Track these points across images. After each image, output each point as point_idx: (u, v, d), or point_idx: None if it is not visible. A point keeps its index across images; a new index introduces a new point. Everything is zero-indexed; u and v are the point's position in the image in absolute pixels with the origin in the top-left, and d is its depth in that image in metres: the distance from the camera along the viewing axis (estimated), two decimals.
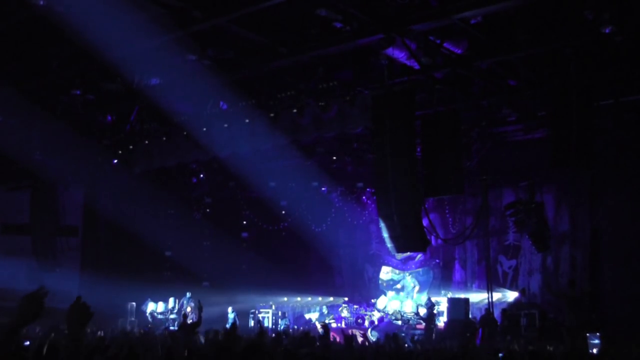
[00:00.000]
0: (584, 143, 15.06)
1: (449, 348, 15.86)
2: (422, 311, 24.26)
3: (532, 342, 17.89)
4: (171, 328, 23.91)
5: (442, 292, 27.04)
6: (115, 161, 23.96)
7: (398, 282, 28.76)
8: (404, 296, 27.78)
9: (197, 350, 7.80)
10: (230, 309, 26.53)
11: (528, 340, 18.61)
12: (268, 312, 27.93)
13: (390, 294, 28.77)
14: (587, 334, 18.42)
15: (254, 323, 26.71)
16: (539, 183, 23.38)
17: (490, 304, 21.25)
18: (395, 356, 9.66)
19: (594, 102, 15.65)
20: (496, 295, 24.15)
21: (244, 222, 31.35)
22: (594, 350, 17.14)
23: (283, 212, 30.43)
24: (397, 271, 29.23)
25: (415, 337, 20.41)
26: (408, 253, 26.00)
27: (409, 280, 28.21)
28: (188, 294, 26.72)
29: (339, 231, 30.99)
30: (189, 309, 25.86)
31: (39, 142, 23.38)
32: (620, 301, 20.91)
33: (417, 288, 27.90)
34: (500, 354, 10.79)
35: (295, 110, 18.98)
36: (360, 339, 17.88)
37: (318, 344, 12.93)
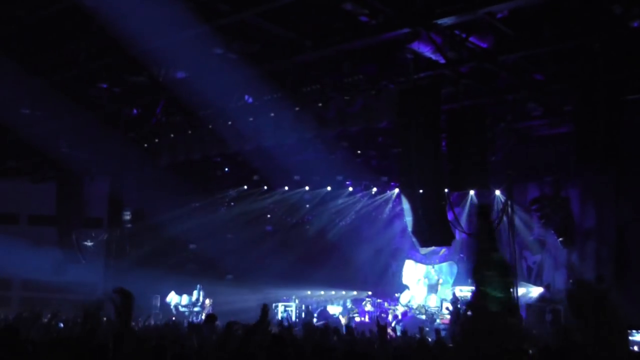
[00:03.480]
0: (610, 139, 14.96)
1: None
2: (448, 306, 24.24)
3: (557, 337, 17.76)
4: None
5: (469, 281, 26.96)
6: (141, 154, 24.08)
7: (422, 276, 28.68)
8: (428, 290, 27.70)
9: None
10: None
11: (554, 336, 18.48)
12: (291, 306, 27.98)
13: (414, 288, 28.73)
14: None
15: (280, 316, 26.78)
16: (564, 178, 23.22)
17: (516, 299, 21.14)
18: (423, 349, 9.65)
19: (621, 97, 15.50)
20: (520, 291, 24.00)
21: (268, 216, 31.45)
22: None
23: (307, 205, 30.53)
24: (421, 265, 29.18)
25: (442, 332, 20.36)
26: (432, 247, 25.92)
27: (433, 274, 28.14)
28: (198, 286, 26.90)
29: (362, 225, 31.00)
30: (207, 302, 26.09)
31: (66, 134, 23.60)
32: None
33: (440, 281, 27.82)
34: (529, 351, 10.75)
35: (320, 104, 19.00)
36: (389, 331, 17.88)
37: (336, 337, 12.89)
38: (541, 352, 7.42)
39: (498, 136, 20.69)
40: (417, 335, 15.33)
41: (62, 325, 15.51)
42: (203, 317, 24.81)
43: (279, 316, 26.78)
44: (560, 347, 7.80)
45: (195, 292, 27.07)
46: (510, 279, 15.44)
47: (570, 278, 24.22)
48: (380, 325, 10.38)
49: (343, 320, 25.35)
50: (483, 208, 17.54)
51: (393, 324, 24.20)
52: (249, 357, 4.28)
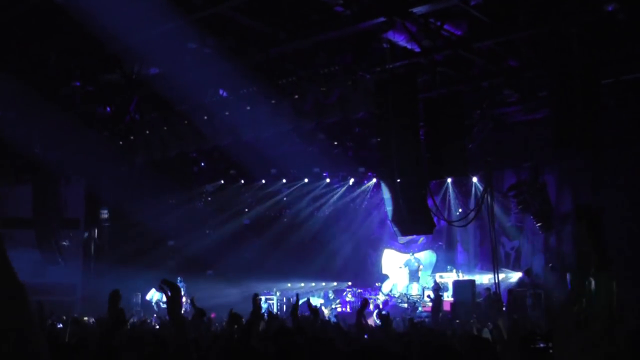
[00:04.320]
0: (587, 123, 15.00)
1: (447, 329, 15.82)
2: (429, 294, 24.36)
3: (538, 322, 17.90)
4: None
5: (448, 267, 27.13)
6: (116, 152, 23.89)
7: (403, 264, 28.74)
8: (410, 278, 27.77)
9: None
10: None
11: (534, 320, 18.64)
12: (272, 299, 27.92)
13: (395, 277, 28.82)
14: None
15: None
16: (541, 164, 23.37)
17: (497, 285, 21.29)
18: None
19: (597, 81, 15.56)
20: (500, 276, 24.20)
21: (246, 210, 31.40)
22: None
23: (285, 198, 30.54)
24: (401, 254, 29.27)
25: (415, 320, 20.40)
26: (412, 236, 26.00)
27: (413, 262, 28.21)
28: (179, 278, 26.80)
29: (340, 216, 31.07)
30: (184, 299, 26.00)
31: (39, 135, 23.34)
32: (621, 283, 20.84)
33: (421, 267, 27.90)
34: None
35: (296, 96, 18.96)
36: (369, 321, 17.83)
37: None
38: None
39: (475, 123, 20.77)
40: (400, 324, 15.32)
41: (61, 325, 15.39)
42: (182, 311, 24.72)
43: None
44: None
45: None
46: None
47: (548, 262, 24.43)
48: (382, 314, 10.31)
49: (326, 312, 25.36)
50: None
51: (374, 314, 24.23)
52: (251, 349, 4.24)
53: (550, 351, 6.47)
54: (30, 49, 17.87)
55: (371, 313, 24.61)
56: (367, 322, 14.96)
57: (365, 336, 9.67)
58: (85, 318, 19.48)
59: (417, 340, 7.47)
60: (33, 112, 21.07)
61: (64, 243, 26.80)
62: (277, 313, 26.14)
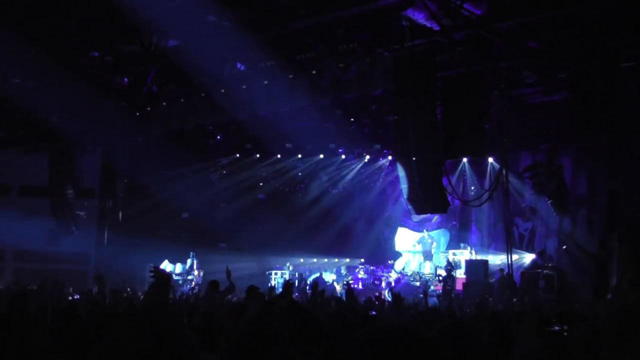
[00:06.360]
0: (606, 106, 14.91)
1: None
2: (441, 272, 24.37)
3: (550, 303, 17.91)
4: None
5: (462, 245, 27.11)
6: (133, 123, 23.95)
7: (416, 242, 28.73)
8: (423, 257, 27.75)
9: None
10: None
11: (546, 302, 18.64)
12: (285, 273, 27.99)
13: (409, 255, 28.85)
14: None
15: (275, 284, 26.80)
16: (558, 146, 23.25)
17: (510, 266, 21.28)
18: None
19: (617, 65, 15.45)
20: (513, 257, 24.16)
21: (261, 184, 31.43)
22: None
23: (300, 173, 30.56)
24: (414, 232, 29.26)
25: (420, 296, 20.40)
26: (426, 215, 25.96)
27: (427, 238, 28.19)
28: (192, 253, 26.91)
29: (355, 193, 31.06)
30: (196, 273, 26.17)
31: (57, 104, 23.44)
32: None
33: (434, 244, 27.87)
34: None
35: (314, 72, 18.92)
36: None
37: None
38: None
39: (492, 104, 20.67)
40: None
41: (78, 296, 15.52)
42: (193, 285, 24.91)
43: (273, 282, 26.81)
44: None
45: (188, 261, 27.07)
46: None
47: (562, 245, 24.37)
48: (394, 292, 10.34)
49: (338, 288, 25.44)
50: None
51: (386, 292, 24.27)
52: (268, 325, 4.27)
53: (565, 334, 6.49)
54: (50, 19, 17.91)
55: (383, 290, 24.69)
56: (380, 299, 15.04)
57: (373, 313, 9.71)
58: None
59: (430, 318, 7.51)
60: (51, 81, 21.15)
61: (80, 213, 26.98)
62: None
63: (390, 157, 27.98)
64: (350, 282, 23.43)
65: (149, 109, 23.08)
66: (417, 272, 26.36)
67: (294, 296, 16.32)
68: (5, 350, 5.46)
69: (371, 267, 27.88)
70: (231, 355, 4.73)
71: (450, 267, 23.92)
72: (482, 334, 5.76)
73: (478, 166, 26.85)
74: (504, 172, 20.70)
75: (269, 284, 25.16)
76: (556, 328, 6.73)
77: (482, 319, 7.16)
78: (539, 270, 23.19)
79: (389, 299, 20.76)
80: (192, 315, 7.70)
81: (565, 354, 5.96)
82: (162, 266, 27.32)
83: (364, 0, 15.36)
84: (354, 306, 10.33)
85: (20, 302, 6.78)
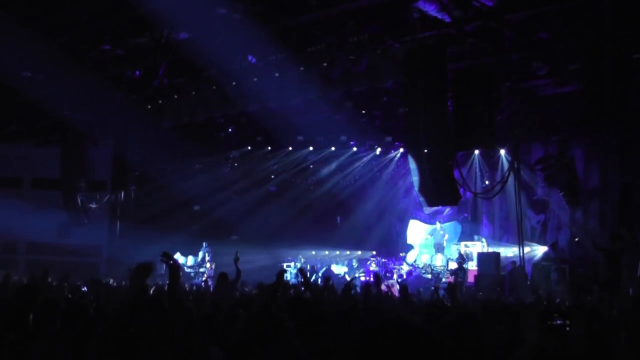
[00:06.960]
0: (617, 98, 14.81)
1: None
2: (453, 265, 24.32)
3: (562, 296, 17.85)
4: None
5: (475, 237, 27.03)
6: (144, 116, 23.99)
7: (428, 234, 28.67)
8: (435, 249, 27.68)
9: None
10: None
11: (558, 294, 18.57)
12: (298, 265, 27.98)
13: (420, 247, 28.79)
14: None
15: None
16: (569, 138, 23.13)
17: (522, 258, 21.22)
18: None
19: (629, 56, 15.33)
20: (525, 249, 24.07)
21: (272, 176, 31.46)
22: None
23: (311, 166, 30.55)
24: (426, 225, 29.21)
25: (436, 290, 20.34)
26: (437, 207, 25.89)
27: (439, 230, 28.11)
28: (204, 244, 26.96)
29: (366, 185, 31.04)
30: (208, 265, 26.19)
31: (68, 97, 23.53)
32: None
33: (446, 236, 27.76)
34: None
35: (325, 64, 18.89)
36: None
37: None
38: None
39: (503, 95, 20.59)
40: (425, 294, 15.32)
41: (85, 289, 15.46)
42: (205, 277, 24.98)
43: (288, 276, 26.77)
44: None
45: (200, 253, 27.13)
46: None
47: (574, 237, 24.28)
48: (402, 285, 10.30)
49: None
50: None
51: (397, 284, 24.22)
52: (273, 317, 4.29)
53: (567, 328, 6.46)
54: (62, 11, 17.95)
55: (393, 283, 24.64)
56: (391, 291, 14.99)
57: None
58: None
59: (438, 311, 7.47)
60: (62, 74, 21.24)
61: (92, 205, 27.07)
62: (300, 280, 26.28)
63: (401, 149, 27.91)
64: (361, 276, 23.37)
65: (160, 101, 23.14)
66: (429, 265, 26.28)
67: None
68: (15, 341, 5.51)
69: (383, 260, 27.85)
70: (236, 346, 4.75)
71: (462, 259, 23.85)
72: (489, 327, 5.73)
73: (489, 158, 26.75)
74: (515, 164, 20.62)
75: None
76: (558, 322, 6.69)
77: (490, 312, 7.12)
78: (551, 263, 23.12)
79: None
80: (201, 308, 7.73)
81: (565, 348, 5.95)
82: None
83: None
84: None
85: (28, 294, 6.81)
